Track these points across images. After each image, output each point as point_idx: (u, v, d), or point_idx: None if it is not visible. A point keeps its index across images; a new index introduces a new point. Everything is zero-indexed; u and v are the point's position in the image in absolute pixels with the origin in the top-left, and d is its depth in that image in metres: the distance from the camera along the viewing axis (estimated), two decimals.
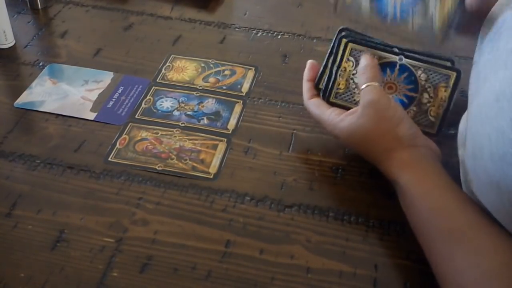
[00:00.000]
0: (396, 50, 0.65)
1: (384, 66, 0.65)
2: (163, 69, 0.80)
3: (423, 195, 0.56)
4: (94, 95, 0.75)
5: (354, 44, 0.66)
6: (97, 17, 0.91)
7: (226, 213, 0.61)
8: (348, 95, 0.66)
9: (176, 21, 0.90)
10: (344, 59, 0.66)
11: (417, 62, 0.65)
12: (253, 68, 0.81)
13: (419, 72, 0.65)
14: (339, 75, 0.66)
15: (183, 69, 0.80)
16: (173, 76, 0.79)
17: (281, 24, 0.90)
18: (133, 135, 0.70)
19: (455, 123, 0.71)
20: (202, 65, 0.81)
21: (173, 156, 0.67)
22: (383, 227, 0.61)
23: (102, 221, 0.60)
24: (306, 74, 0.69)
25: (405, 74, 0.65)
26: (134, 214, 0.61)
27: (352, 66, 0.66)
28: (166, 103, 0.74)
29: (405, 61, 0.65)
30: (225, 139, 0.70)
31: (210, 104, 0.74)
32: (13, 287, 0.54)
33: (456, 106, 0.72)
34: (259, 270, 0.56)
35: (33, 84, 0.77)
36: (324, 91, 0.67)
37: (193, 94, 0.76)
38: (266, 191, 0.64)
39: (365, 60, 0.64)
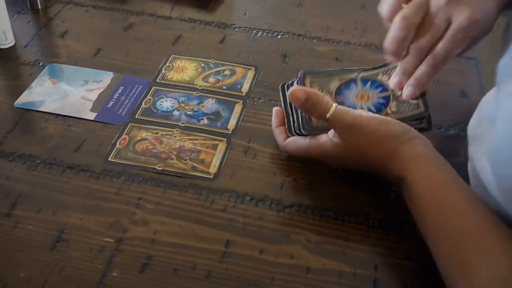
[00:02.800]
0: (352, 69, 0.70)
1: (347, 84, 0.68)
2: (163, 69, 0.80)
3: (431, 192, 0.55)
4: (94, 95, 0.75)
5: (311, 76, 0.68)
6: (97, 17, 0.91)
7: (226, 213, 0.61)
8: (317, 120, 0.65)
9: (176, 21, 0.90)
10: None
11: (372, 71, 0.69)
12: (253, 68, 0.81)
13: (380, 76, 0.69)
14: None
15: (183, 69, 0.80)
16: (173, 76, 0.79)
17: (281, 24, 0.90)
18: (133, 135, 0.70)
19: (455, 124, 0.72)
20: (202, 65, 0.81)
21: (173, 156, 0.67)
22: (383, 227, 0.61)
23: (102, 221, 0.60)
24: (274, 121, 0.68)
25: (369, 83, 0.68)
26: (134, 214, 0.61)
27: (319, 90, 0.67)
28: (166, 103, 0.74)
29: (364, 74, 0.69)
30: (225, 139, 0.70)
31: (210, 104, 0.74)
32: (13, 287, 0.54)
33: (455, 107, 0.72)
34: (259, 270, 0.56)
35: (33, 84, 0.77)
36: (295, 124, 0.65)
37: (193, 94, 0.76)
38: (266, 191, 0.64)
39: (296, 96, 0.61)
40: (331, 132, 0.61)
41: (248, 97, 0.76)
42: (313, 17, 0.92)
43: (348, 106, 0.62)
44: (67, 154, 0.67)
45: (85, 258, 0.56)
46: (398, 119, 0.62)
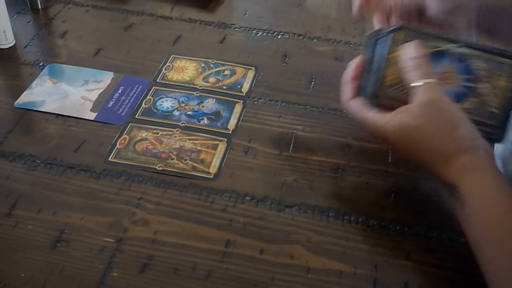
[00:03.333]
0: (452, 38, 0.60)
1: (438, 54, 0.59)
2: (163, 69, 0.80)
3: (488, 203, 0.52)
4: (94, 95, 0.75)
5: (405, 31, 0.59)
6: (97, 17, 0.91)
7: (226, 213, 0.61)
8: (400, 86, 0.59)
9: (176, 21, 0.90)
10: (393, 48, 0.59)
11: (474, 51, 0.59)
12: (253, 68, 0.81)
13: (477, 61, 0.59)
14: (388, 65, 0.59)
15: (183, 69, 0.80)
16: (173, 76, 0.79)
17: (281, 24, 0.90)
18: (133, 135, 0.70)
19: None
20: (202, 65, 0.81)
21: (173, 156, 0.67)
22: (383, 227, 0.61)
23: (102, 221, 0.60)
24: (349, 73, 0.62)
25: (462, 64, 0.59)
26: (134, 214, 0.61)
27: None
28: (166, 103, 0.74)
29: (462, 49, 0.59)
30: (225, 139, 0.70)
31: (210, 104, 0.74)
32: (13, 287, 0.54)
33: None
34: (259, 270, 0.56)
35: (33, 84, 0.77)
36: (371, 87, 0.59)
37: (193, 94, 0.76)
38: (266, 191, 0.64)
39: (412, 51, 0.57)
40: (400, 111, 0.56)
41: (248, 97, 0.76)
42: (313, 17, 0.92)
43: None
44: (67, 154, 0.67)
45: (86, 258, 0.56)
46: (470, 119, 0.57)
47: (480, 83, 0.59)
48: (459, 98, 0.58)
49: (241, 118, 0.73)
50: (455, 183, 0.54)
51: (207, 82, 0.78)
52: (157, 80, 0.78)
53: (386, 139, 0.58)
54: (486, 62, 0.59)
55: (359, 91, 0.61)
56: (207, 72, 0.80)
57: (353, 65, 0.62)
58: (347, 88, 0.62)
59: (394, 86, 0.59)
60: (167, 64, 0.81)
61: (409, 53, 0.58)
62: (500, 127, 0.59)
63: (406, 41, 0.59)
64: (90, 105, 0.74)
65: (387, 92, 0.59)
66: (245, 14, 0.93)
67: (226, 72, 0.80)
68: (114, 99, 0.75)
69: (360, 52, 0.85)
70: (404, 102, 0.57)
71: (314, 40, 0.87)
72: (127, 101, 0.75)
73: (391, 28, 0.60)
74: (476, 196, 0.53)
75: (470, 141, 0.55)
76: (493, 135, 0.58)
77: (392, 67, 0.59)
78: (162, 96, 0.75)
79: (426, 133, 0.55)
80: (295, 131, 0.71)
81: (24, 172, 0.65)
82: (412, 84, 0.56)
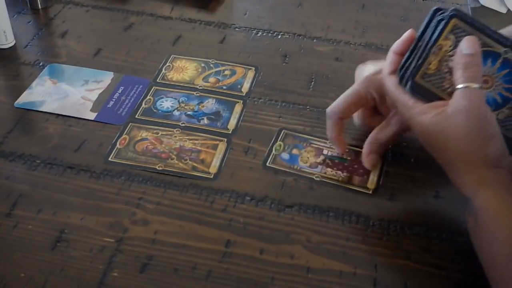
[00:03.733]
0: (505, 41, 0.56)
1: (486, 54, 0.55)
2: (163, 69, 0.80)
3: (503, 216, 0.51)
4: (94, 95, 0.75)
5: (458, 20, 0.55)
6: (97, 17, 0.91)
7: (226, 213, 0.61)
8: (437, 79, 0.56)
9: (176, 21, 0.90)
10: (443, 35, 0.56)
11: None
12: (253, 68, 0.81)
13: None
14: (433, 52, 0.56)
15: (183, 69, 0.80)
16: (173, 76, 0.79)
17: (281, 24, 0.90)
18: (133, 135, 0.70)
19: None
20: (202, 65, 0.81)
21: (173, 156, 0.67)
22: (383, 227, 0.61)
23: (102, 221, 0.60)
24: (398, 44, 0.59)
25: (506, 71, 0.56)
26: (134, 214, 0.61)
27: (451, 46, 0.56)
28: (166, 103, 0.74)
29: (511, 56, 0.56)
30: (225, 139, 0.70)
31: (210, 104, 0.74)
32: (13, 287, 0.54)
33: None
34: (259, 270, 0.56)
35: (33, 84, 0.77)
36: (410, 69, 0.56)
37: (193, 94, 0.76)
38: (266, 191, 0.64)
39: (468, 47, 0.54)
40: (437, 106, 0.55)
41: (248, 97, 0.76)
42: (313, 17, 0.92)
43: None
44: (67, 154, 0.67)
45: (86, 258, 0.56)
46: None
47: None
48: (494, 105, 0.56)
49: (241, 118, 0.73)
50: (470, 195, 0.53)
51: (207, 82, 0.78)
52: (157, 80, 0.78)
53: (413, 128, 0.57)
54: None
55: (400, 67, 0.58)
56: (207, 72, 0.80)
57: (403, 38, 0.59)
58: (390, 59, 0.59)
59: (432, 77, 0.56)
60: (167, 64, 0.81)
61: (466, 48, 0.54)
62: None
63: (457, 30, 0.55)
64: (90, 105, 0.74)
65: (425, 81, 0.56)
66: (245, 14, 0.93)
67: (226, 72, 0.80)
68: (114, 99, 0.75)
69: (360, 51, 0.85)
70: (436, 96, 0.55)
71: (314, 40, 0.87)
72: (127, 101, 0.75)
73: (450, 11, 0.56)
74: (489, 211, 0.52)
75: (496, 159, 0.53)
76: None
77: (435, 56, 0.56)
78: (162, 96, 0.75)
79: (454, 139, 0.53)
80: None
81: (24, 172, 0.65)
82: (457, 85, 0.54)
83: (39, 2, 0.91)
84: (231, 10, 0.94)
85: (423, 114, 0.55)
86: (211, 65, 0.81)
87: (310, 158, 0.66)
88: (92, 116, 0.72)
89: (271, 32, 0.89)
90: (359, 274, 0.56)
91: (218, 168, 0.66)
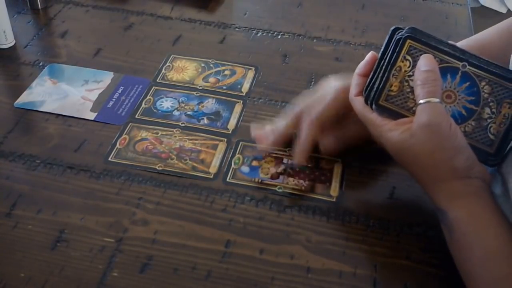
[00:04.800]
0: (461, 55, 0.57)
1: (445, 71, 0.56)
2: (163, 69, 0.80)
3: (477, 233, 0.52)
4: (94, 95, 0.75)
5: (413, 42, 0.56)
6: (97, 17, 0.91)
7: (226, 213, 0.61)
8: (401, 99, 0.57)
9: (176, 21, 0.90)
10: (400, 57, 0.57)
11: (482, 72, 0.56)
12: (253, 68, 0.81)
13: (483, 83, 0.57)
14: (393, 75, 0.57)
15: (183, 69, 0.80)
16: (173, 76, 0.79)
17: (281, 24, 0.90)
18: (133, 135, 0.70)
19: None
20: (202, 65, 0.81)
21: (173, 156, 0.67)
22: (383, 227, 0.61)
23: (102, 221, 0.60)
24: (361, 67, 0.60)
25: (467, 84, 0.57)
26: (134, 214, 0.61)
27: (409, 67, 0.57)
28: (166, 103, 0.74)
29: (469, 69, 0.56)
30: (225, 139, 0.70)
31: (210, 104, 0.74)
32: (13, 287, 0.54)
33: None
34: (259, 270, 0.56)
35: (33, 84, 0.77)
36: (372, 92, 0.58)
37: (193, 94, 0.76)
38: (266, 191, 0.64)
39: (425, 64, 0.55)
40: (403, 123, 0.55)
41: (248, 97, 0.76)
42: (313, 17, 0.92)
43: None
44: (67, 154, 0.67)
45: (85, 258, 0.56)
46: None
47: (483, 106, 0.57)
48: (460, 119, 0.57)
49: (241, 118, 0.73)
50: (444, 209, 0.54)
51: (207, 82, 0.78)
52: (157, 80, 0.78)
53: (384, 145, 0.58)
54: (491, 85, 0.57)
55: (364, 88, 0.59)
56: (207, 72, 0.80)
57: (366, 60, 0.60)
58: (355, 81, 0.60)
59: (395, 98, 0.57)
60: (167, 64, 0.81)
61: (423, 66, 0.55)
62: (497, 154, 0.57)
63: (413, 51, 0.57)
64: (90, 105, 0.74)
65: (388, 103, 0.57)
66: (245, 14, 0.93)
67: (226, 72, 0.80)
68: (114, 99, 0.75)
69: (360, 52, 0.85)
70: (402, 115, 0.57)
71: (314, 40, 0.87)
72: (127, 101, 0.75)
73: (405, 31, 0.57)
74: (465, 224, 0.53)
75: (465, 170, 0.54)
76: (489, 161, 0.57)
77: (395, 78, 0.57)
78: (162, 96, 0.75)
79: (421, 155, 0.54)
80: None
81: (24, 172, 0.65)
82: (418, 101, 0.54)
83: (39, 2, 0.91)
84: (231, 10, 0.94)
85: (390, 132, 0.56)
86: (211, 65, 0.81)
87: (271, 169, 0.66)
88: (92, 116, 0.72)
89: (271, 32, 0.89)
90: (359, 274, 0.56)
91: (218, 168, 0.66)
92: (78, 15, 0.91)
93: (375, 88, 0.58)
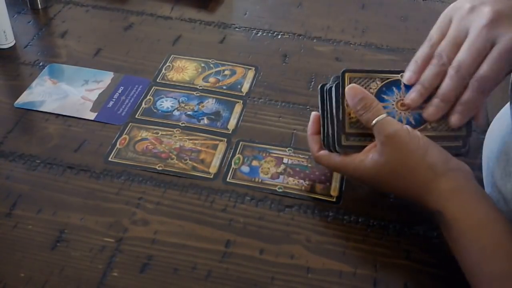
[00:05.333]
0: (395, 69, 0.61)
1: (389, 85, 0.60)
2: (163, 69, 0.80)
3: (473, 231, 0.52)
4: (94, 95, 0.75)
5: (351, 73, 0.60)
6: (97, 17, 0.91)
7: (226, 213, 0.61)
8: (360, 133, 0.60)
9: (176, 21, 0.90)
10: (341, 100, 0.60)
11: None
12: (253, 68, 0.81)
13: None
14: (342, 118, 0.60)
15: (183, 69, 0.80)
16: (173, 76, 0.79)
17: (281, 24, 0.90)
18: (133, 135, 0.70)
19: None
20: (202, 65, 0.81)
21: (173, 156, 0.67)
22: (383, 227, 0.61)
23: (102, 221, 0.60)
24: (310, 127, 0.63)
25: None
26: (134, 214, 0.61)
27: None
28: (166, 103, 0.74)
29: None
30: (225, 139, 0.70)
31: (210, 104, 0.74)
32: (13, 287, 0.54)
33: None
34: (259, 270, 0.56)
35: (33, 84, 0.77)
36: (330, 138, 0.60)
37: (193, 94, 0.76)
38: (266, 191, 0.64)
39: (353, 94, 0.58)
40: (370, 149, 0.58)
41: (248, 97, 0.76)
42: (313, 17, 0.92)
43: (387, 114, 0.57)
44: (67, 154, 0.67)
45: (85, 258, 0.56)
46: (436, 136, 0.58)
47: None
48: (419, 123, 0.59)
49: (241, 118, 0.73)
50: (439, 210, 0.54)
51: (207, 82, 0.78)
52: (157, 80, 0.78)
53: (362, 180, 0.60)
54: None
55: (322, 143, 0.62)
56: (207, 72, 0.80)
57: (311, 120, 0.63)
58: (312, 141, 0.62)
59: (358, 123, 0.59)
60: (167, 64, 0.81)
61: (351, 100, 0.58)
62: (466, 143, 0.59)
63: (355, 79, 0.60)
64: (90, 105, 0.74)
65: (349, 138, 0.60)
66: (245, 14, 0.93)
67: (226, 72, 0.80)
68: (114, 99, 0.75)
69: (359, 52, 0.85)
70: (364, 146, 0.59)
71: (314, 40, 0.87)
72: (127, 101, 0.75)
73: (335, 76, 0.61)
74: (461, 217, 0.53)
75: (442, 164, 0.55)
76: (461, 148, 0.59)
77: (347, 112, 0.60)
78: (162, 96, 0.75)
79: (395, 167, 0.55)
80: (295, 131, 0.71)
81: (24, 172, 0.65)
82: (370, 125, 0.57)
83: (39, 2, 0.91)
84: (231, 10, 0.94)
85: (362, 162, 0.57)
86: (211, 65, 0.81)
87: (271, 169, 0.66)
88: (92, 116, 0.72)
89: (271, 32, 0.89)
90: (359, 274, 0.56)
91: (218, 168, 0.66)
92: (78, 15, 0.91)
93: (330, 134, 0.60)
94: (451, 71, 0.57)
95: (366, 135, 0.59)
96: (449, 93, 0.57)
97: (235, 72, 0.80)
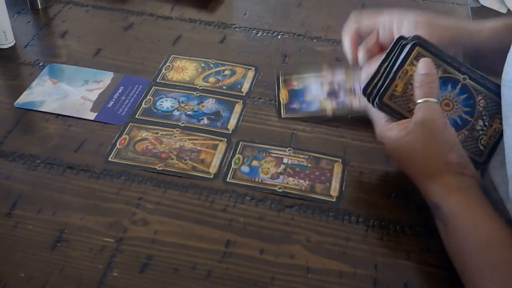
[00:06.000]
0: (463, 68, 0.61)
1: (446, 80, 0.60)
2: (163, 69, 0.80)
3: (470, 224, 0.53)
4: (94, 95, 0.75)
5: (421, 49, 0.60)
6: (97, 17, 0.91)
7: (226, 213, 0.61)
8: (403, 100, 0.60)
9: (176, 21, 0.90)
10: (408, 61, 0.60)
11: (479, 87, 0.61)
12: (253, 68, 0.81)
13: (479, 97, 0.61)
14: (399, 76, 0.60)
15: (183, 69, 0.80)
16: (173, 76, 0.79)
17: (281, 24, 0.90)
18: (133, 135, 0.70)
19: None
20: (202, 65, 0.81)
21: (173, 156, 0.67)
22: (383, 227, 0.61)
23: (102, 221, 0.60)
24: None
25: (465, 96, 0.60)
26: (134, 214, 0.61)
27: (414, 71, 0.60)
28: (166, 103, 0.74)
29: (468, 82, 0.60)
30: (225, 139, 0.70)
31: (210, 104, 0.74)
32: (13, 287, 0.54)
33: None
34: (259, 270, 0.56)
35: (33, 84, 0.77)
36: (375, 90, 0.61)
37: (193, 94, 0.76)
38: (266, 191, 0.64)
39: (423, 68, 0.59)
40: (403, 123, 0.59)
41: (248, 97, 0.76)
42: (313, 17, 0.92)
43: None
44: (67, 154, 0.67)
45: (85, 258, 0.56)
46: (465, 143, 0.60)
47: (476, 118, 0.61)
48: (454, 127, 0.59)
49: (241, 118, 0.73)
50: (438, 202, 0.55)
51: (207, 82, 0.78)
52: (157, 80, 0.78)
53: (383, 145, 0.61)
54: (486, 100, 0.61)
55: (365, 86, 0.62)
56: (207, 72, 0.80)
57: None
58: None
59: (398, 99, 0.60)
60: (167, 64, 0.81)
61: (421, 69, 0.59)
62: (484, 163, 0.61)
63: (422, 57, 0.60)
64: (90, 105, 0.74)
65: (391, 102, 0.60)
66: (245, 14, 0.93)
67: (226, 72, 0.80)
68: (114, 99, 0.75)
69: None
70: (402, 115, 0.60)
71: (314, 40, 0.87)
72: (127, 101, 0.75)
73: (412, 39, 0.61)
74: (459, 216, 0.54)
75: (458, 167, 0.57)
76: (479, 164, 0.61)
77: (401, 80, 0.60)
78: (162, 96, 0.75)
79: (417, 150, 0.57)
80: (295, 131, 0.71)
81: (24, 172, 0.65)
82: (417, 101, 0.58)
83: (39, 2, 0.91)
84: (231, 10, 0.94)
85: (390, 131, 0.60)
86: (211, 65, 0.81)
87: (271, 169, 0.66)
88: (92, 116, 0.72)
89: (271, 32, 0.89)
90: (359, 274, 0.56)
91: (218, 168, 0.66)
92: (78, 15, 0.91)
93: (378, 87, 0.61)
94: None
95: (395, 111, 0.60)
96: None
97: (235, 72, 0.80)
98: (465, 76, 0.60)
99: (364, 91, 0.62)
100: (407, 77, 0.60)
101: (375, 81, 0.61)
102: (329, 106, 0.71)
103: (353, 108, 0.70)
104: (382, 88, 0.60)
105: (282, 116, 0.72)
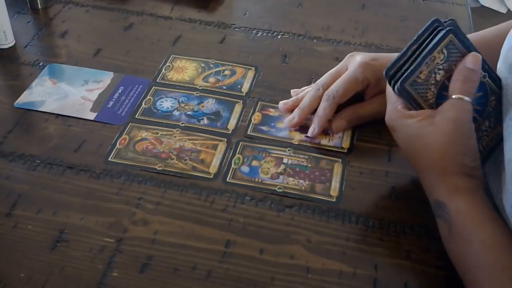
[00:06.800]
0: (485, 65, 0.58)
1: None
2: (163, 69, 0.80)
3: (477, 226, 0.53)
4: (94, 95, 0.75)
5: (454, 37, 0.57)
6: (97, 17, 0.91)
7: (226, 213, 0.61)
8: (422, 89, 0.58)
9: (176, 21, 0.90)
10: (438, 48, 0.57)
11: (495, 88, 0.59)
12: (253, 68, 0.81)
13: (492, 98, 0.59)
14: (426, 63, 0.57)
15: (183, 69, 0.80)
16: (173, 76, 0.79)
17: (281, 24, 0.90)
18: (133, 135, 0.70)
19: None
20: (202, 65, 0.81)
21: (173, 156, 0.67)
22: (383, 227, 0.61)
23: (102, 221, 0.60)
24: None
25: (481, 94, 0.58)
26: (134, 214, 0.61)
27: (442, 60, 0.57)
28: (166, 103, 0.74)
29: (487, 81, 0.58)
30: (225, 139, 0.70)
31: (210, 104, 0.74)
32: (13, 287, 0.54)
33: None
34: (259, 270, 0.56)
35: (33, 84, 0.77)
36: (400, 73, 0.58)
37: (193, 94, 0.76)
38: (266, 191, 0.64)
39: (473, 63, 0.56)
40: (423, 113, 0.57)
41: (248, 97, 0.76)
42: (313, 17, 0.92)
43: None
44: (67, 154, 0.67)
45: (85, 258, 0.56)
46: None
47: (485, 119, 0.59)
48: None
49: (241, 118, 0.73)
50: (444, 201, 0.55)
51: (207, 82, 0.78)
52: (157, 80, 0.78)
53: (394, 131, 0.60)
54: (498, 101, 0.59)
55: (389, 67, 0.59)
56: (207, 72, 0.80)
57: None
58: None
59: (418, 86, 0.58)
60: (167, 64, 0.81)
61: (470, 63, 0.57)
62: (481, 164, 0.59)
63: (451, 47, 0.57)
64: (90, 105, 0.74)
65: (412, 88, 0.58)
66: (245, 14, 0.93)
67: (226, 72, 0.80)
68: (114, 99, 0.75)
69: (360, 52, 0.85)
70: (417, 103, 0.58)
71: (314, 40, 0.87)
72: (127, 101, 0.75)
73: (448, 24, 0.58)
74: (465, 218, 0.53)
75: (470, 169, 0.56)
76: None
77: (427, 67, 0.58)
78: (162, 96, 0.75)
79: (434, 144, 0.56)
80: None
81: (24, 172, 0.65)
82: (452, 95, 0.56)
83: (39, 2, 0.91)
84: (231, 10, 0.94)
85: (409, 118, 0.58)
86: (211, 65, 0.81)
87: (271, 169, 0.66)
88: (92, 116, 0.72)
89: (271, 32, 0.89)
90: (359, 274, 0.56)
91: (218, 168, 0.66)
92: (78, 15, 0.91)
93: (403, 70, 0.58)
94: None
95: (413, 99, 0.58)
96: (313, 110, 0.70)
97: (235, 72, 0.80)
98: (485, 74, 0.58)
99: (387, 72, 0.59)
100: (433, 65, 0.57)
101: (401, 62, 0.59)
102: (298, 136, 0.69)
103: (320, 143, 0.69)
104: (407, 73, 0.57)
105: (248, 132, 0.70)
